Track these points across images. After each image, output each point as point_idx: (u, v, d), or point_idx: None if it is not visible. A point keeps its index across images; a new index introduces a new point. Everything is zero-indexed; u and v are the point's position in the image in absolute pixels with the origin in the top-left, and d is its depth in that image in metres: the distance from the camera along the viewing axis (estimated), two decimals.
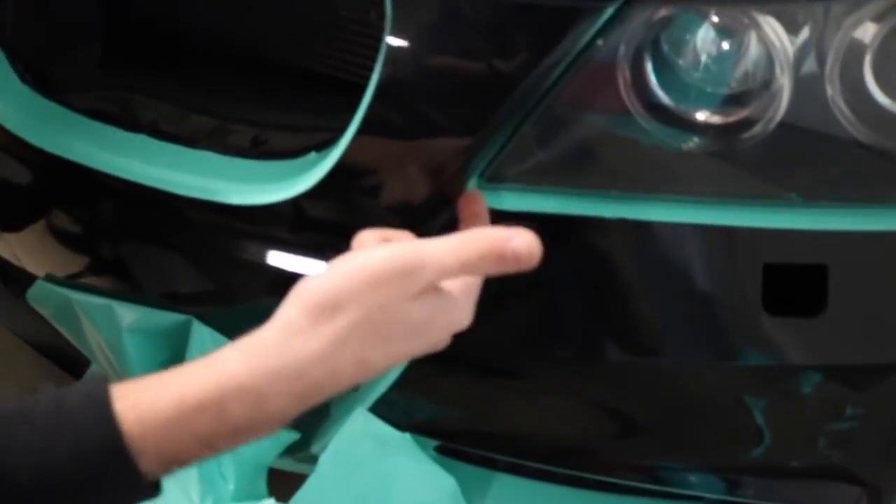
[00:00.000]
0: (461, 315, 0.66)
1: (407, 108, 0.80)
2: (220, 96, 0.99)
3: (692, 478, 0.92)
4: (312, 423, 1.04)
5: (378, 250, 0.62)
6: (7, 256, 1.07)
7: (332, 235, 0.85)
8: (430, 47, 0.79)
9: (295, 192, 0.84)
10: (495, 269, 0.62)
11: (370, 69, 0.97)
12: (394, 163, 0.83)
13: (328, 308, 0.60)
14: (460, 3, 0.78)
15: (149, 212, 0.94)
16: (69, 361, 1.22)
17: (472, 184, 0.83)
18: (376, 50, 0.96)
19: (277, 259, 0.89)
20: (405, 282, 0.61)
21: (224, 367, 0.60)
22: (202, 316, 0.96)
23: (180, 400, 0.59)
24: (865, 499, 0.90)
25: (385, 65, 0.79)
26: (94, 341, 1.07)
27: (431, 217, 0.83)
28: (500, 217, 0.84)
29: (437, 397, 0.93)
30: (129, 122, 0.96)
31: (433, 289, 0.63)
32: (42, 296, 1.08)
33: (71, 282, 1.03)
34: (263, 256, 0.89)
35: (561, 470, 0.98)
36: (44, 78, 1.01)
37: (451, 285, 0.64)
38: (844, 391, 0.87)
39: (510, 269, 0.61)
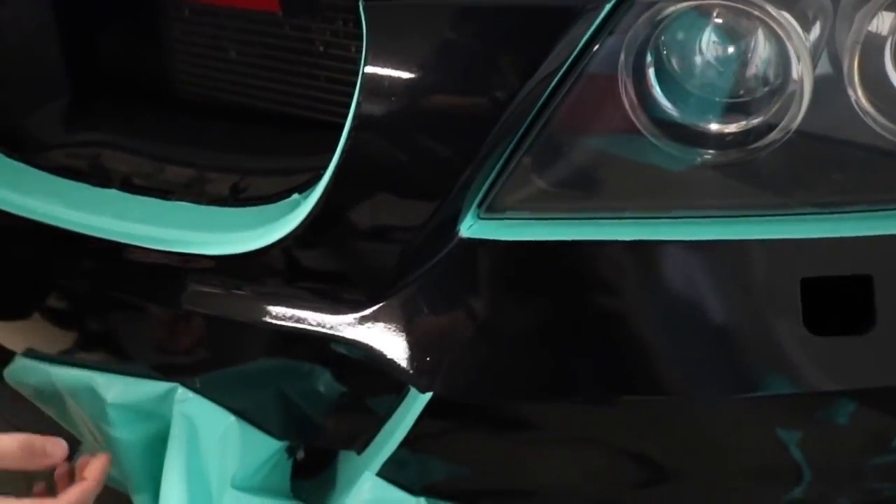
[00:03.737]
0: None
1: (389, 140, 0.74)
2: (195, 146, 0.93)
3: None
4: (318, 494, 0.96)
5: None
6: None
7: (322, 280, 0.78)
8: (409, 74, 0.73)
9: (279, 236, 0.77)
10: None
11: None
12: (378, 197, 0.76)
13: None
14: (439, 23, 0.72)
15: (125, 272, 0.87)
16: None
17: (468, 217, 0.77)
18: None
19: (264, 314, 0.82)
20: None
21: None
22: (188, 383, 0.89)
23: None
24: None
25: (362, 96, 0.72)
26: (78, 418, 1.00)
27: (422, 254, 0.76)
28: (504, 249, 0.76)
29: (451, 455, 0.85)
30: (100, 178, 0.90)
31: None
32: (22, 374, 1.01)
33: (51, 356, 0.97)
34: (248, 312, 0.82)
35: None
36: (8, 137, 0.95)
37: None
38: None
39: None
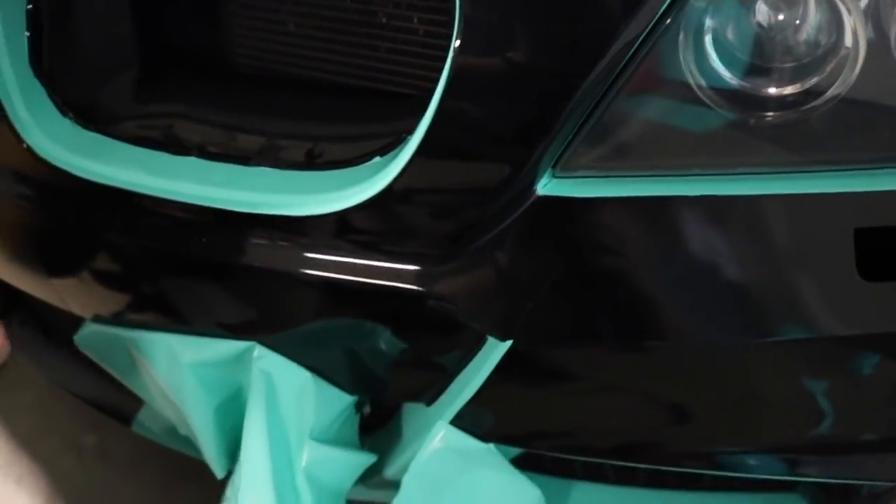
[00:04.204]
0: None
1: (477, 106, 0.79)
2: (263, 115, 0.97)
3: (784, 460, 0.89)
4: (386, 445, 1.00)
5: None
6: (52, 301, 1.03)
7: (405, 237, 0.82)
8: (499, 44, 0.77)
9: (366, 196, 0.82)
10: None
11: (415, 77, 0.95)
12: (463, 159, 0.80)
13: None
14: None
15: (204, 236, 0.91)
16: (116, 409, 1.18)
17: (545, 177, 0.81)
18: (420, 56, 0.95)
19: (348, 271, 0.86)
20: None
21: None
22: (265, 341, 0.93)
23: None
24: None
25: (454, 64, 0.77)
26: (150, 380, 1.03)
27: (502, 211, 0.81)
28: (576, 205, 0.81)
29: (521, 402, 0.90)
30: (175, 147, 0.94)
31: None
32: (92, 338, 1.04)
33: (122, 320, 1.00)
34: (332, 269, 0.86)
35: (632, 464, 0.95)
36: (84, 109, 0.98)
37: None
38: None
39: None
